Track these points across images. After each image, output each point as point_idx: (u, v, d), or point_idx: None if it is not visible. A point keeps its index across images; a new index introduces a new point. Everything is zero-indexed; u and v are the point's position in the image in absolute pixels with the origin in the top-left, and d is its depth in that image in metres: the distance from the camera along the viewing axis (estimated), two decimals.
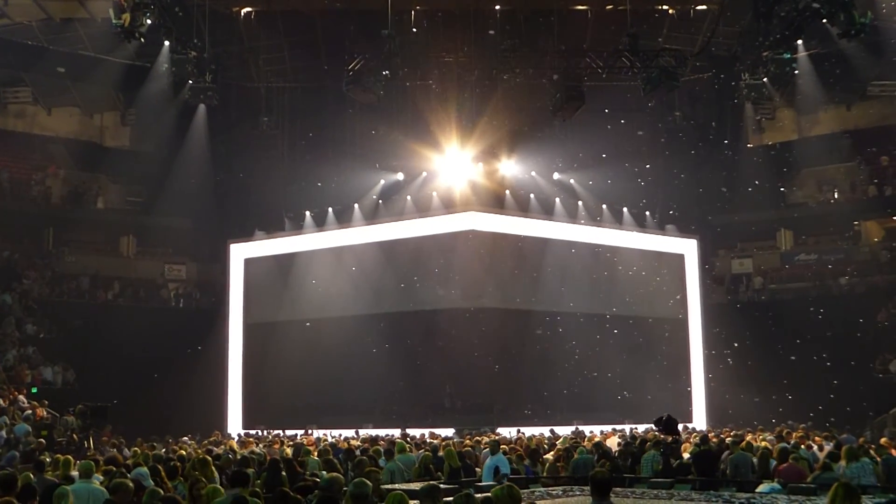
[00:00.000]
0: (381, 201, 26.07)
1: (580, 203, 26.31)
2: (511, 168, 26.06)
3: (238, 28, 25.03)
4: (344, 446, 13.83)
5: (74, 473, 8.69)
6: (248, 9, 24.65)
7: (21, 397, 19.99)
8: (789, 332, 24.44)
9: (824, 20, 19.08)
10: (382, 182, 26.24)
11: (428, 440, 16.54)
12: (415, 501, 5.77)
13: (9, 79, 26.28)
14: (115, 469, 9.19)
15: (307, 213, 26.34)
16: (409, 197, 25.83)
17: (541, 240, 25.40)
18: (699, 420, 25.19)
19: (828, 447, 12.38)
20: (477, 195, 24.92)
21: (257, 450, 14.05)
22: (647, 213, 26.88)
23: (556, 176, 26.66)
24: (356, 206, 25.88)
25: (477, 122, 25.00)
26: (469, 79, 25.35)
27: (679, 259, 27.29)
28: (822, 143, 27.04)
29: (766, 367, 23.71)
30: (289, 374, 24.22)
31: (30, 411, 18.76)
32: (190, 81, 22.73)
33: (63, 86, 26.68)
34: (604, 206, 26.42)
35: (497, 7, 24.25)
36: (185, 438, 18.77)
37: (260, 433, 21.00)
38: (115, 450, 15.10)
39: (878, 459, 10.73)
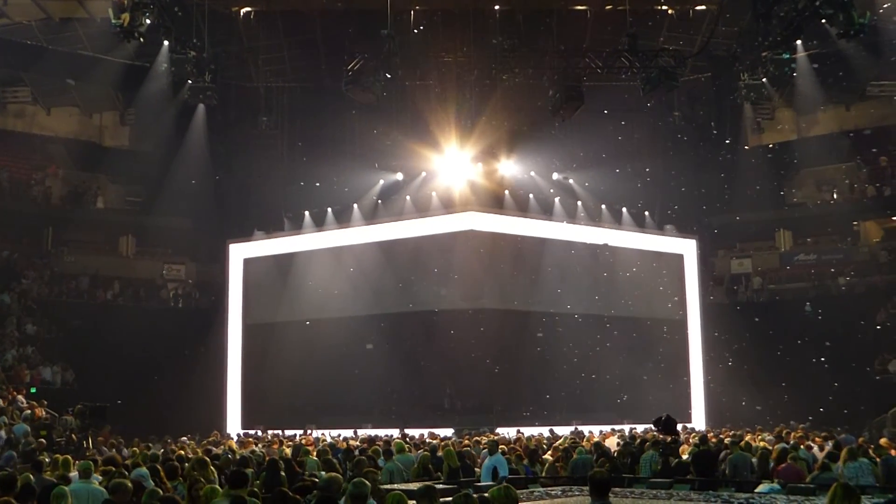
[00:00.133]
0: (380, 201, 26.04)
1: (579, 203, 26.30)
2: (510, 168, 26.05)
3: (237, 28, 24.98)
4: (343, 446, 13.83)
5: (73, 473, 8.69)
6: (248, 9, 24.60)
7: (20, 397, 19.95)
8: (788, 333, 24.46)
9: (823, 20, 19.05)
10: (382, 182, 26.23)
11: (427, 440, 16.54)
12: (413, 502, 5.77)
13: (8, 78, 26.27)
14: (114, 469, 9.18)
15: (306, 213, 26.29)
16: (408, 197, 25.81)
17: (540, 240, 25.39)
18: (698, 420, 25.17)
19: (827, 447, 12.39)
20: (476, 195, 24.88)
21: (257, 450, 14.03)
22: (647, 213, 26.88)
23: (555, 176, 26.67)
24: (355, 206, 25.85)
25: (476, 122, 25.00)
26: (468, 79, 25.31)
27: (678, 259, 27.25)
28: (822, 143, 27.03)
29: (765, 367, 23.70)
30: (288, 374, 24.18)
31: (29, 411, 18.70)
32: (189, 81, 22.76)
33: (62, 86, 26.67)
34: (603, 207, 26.41)
35: (496, 7, 24.22)
36: (185, 438, 18.74)
37: (259, 433, 20.96)
38: (113, 450, 15.08)
39: (878, 460, 10.73)
